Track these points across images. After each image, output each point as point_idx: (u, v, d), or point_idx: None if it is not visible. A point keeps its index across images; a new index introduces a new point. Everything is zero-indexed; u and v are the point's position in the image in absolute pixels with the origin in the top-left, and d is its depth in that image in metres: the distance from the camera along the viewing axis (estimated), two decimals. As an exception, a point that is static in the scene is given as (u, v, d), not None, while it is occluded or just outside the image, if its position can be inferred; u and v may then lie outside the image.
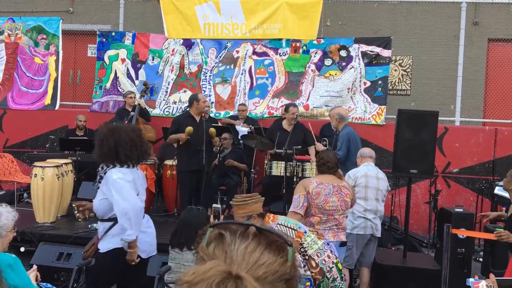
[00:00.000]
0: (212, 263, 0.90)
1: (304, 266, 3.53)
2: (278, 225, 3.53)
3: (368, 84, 8.16)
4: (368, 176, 5.04)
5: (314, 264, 3.48)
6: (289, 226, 3.57)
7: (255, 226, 0.96)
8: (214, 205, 4.14)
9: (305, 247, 3.53)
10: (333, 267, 3.53)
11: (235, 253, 0.92)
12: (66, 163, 6.66)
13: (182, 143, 6.39)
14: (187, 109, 6.83)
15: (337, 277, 3.56)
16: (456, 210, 5.77)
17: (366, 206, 4.97)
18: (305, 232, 3.58)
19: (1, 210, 3.01)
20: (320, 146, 6.80)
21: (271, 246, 0.94)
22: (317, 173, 4.46)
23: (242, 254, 0.92)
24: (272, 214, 3.77)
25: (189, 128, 6.30)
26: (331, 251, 3.58)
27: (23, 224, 5.87)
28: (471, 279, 2.57)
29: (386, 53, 8.11)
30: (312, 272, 3.51)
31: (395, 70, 9.51)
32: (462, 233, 5.39)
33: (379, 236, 5.17)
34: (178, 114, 8.01)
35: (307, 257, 3.54)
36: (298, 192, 4.22)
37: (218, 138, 6.73)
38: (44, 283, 3.49)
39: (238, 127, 7.75)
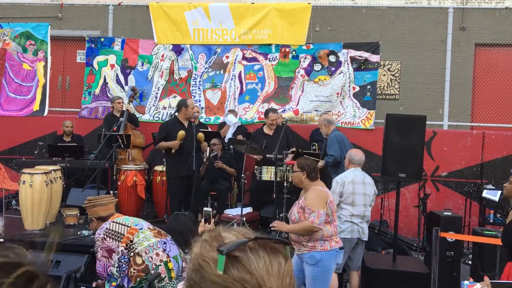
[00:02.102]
0: None
1: (127, 263, 3.60)
2: (112, 222, 3.68)
3: (357, 89, 8.21)
4: (355, 182, 5.06)
5: (139, 261, 3.58)
6: (123, 223, 3.69)
7: (256, 237, 0.96)
8: (205, 208, 4.11)
9: (135, 243, 3.62)
10: (160, 265, 3.61)
11: (259, 272, 0.92)
12: (55, 170, 6.60)
13: (174, 151, 6.37)
14: (175, 115, 6.81)
15: (165, 276, 3.62)
16: (445, 213, 5.80)
17: (353, 212, 4.99)
18: (141, 229, 3.70)
19: None
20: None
21: (277, 252, 0.96)
22: (309, 182, 4.34)
23: (265, 269, 0.93)
24: (117, 214, 3.90)
25: (182, 132, 6.27)
26: (164, 250, 3.68)
27: (11, 232, 5.82)
28: (466, 282, 2.55)
29: (374, 58, 8.18)
30: (135, 269, 3.59)
31: (384, 75, 9.58)
32: (450, 236, 5.43)
33: (366, 239, 5.19)
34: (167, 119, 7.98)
35: (132, 254, 3.62)
36: (321, 207, 4.09)
37: (206, 143, 6.72)
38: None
39: (230, 123, 7.78)
